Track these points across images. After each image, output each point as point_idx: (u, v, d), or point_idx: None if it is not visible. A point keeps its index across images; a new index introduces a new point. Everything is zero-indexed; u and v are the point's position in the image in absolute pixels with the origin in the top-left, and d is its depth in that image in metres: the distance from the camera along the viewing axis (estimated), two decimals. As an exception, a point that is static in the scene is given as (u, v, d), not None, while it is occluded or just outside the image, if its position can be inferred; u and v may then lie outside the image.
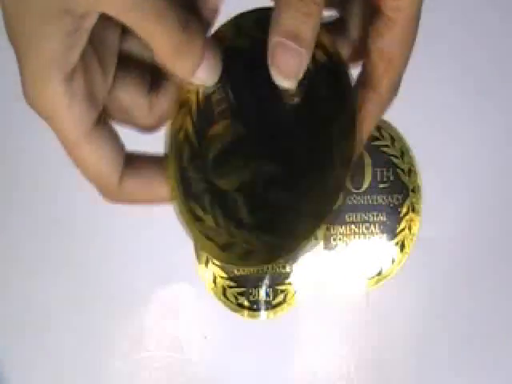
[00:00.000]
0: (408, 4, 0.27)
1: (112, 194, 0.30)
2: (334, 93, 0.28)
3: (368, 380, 0.54)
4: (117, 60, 0.29)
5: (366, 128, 0.30)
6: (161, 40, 0.26)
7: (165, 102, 0.30)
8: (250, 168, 0.29)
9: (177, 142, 0.30)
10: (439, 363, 0.53)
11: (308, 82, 0.27)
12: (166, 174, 0.30)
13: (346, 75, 0.27)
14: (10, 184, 0.55)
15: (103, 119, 0.29)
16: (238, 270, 0.53)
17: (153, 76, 0.30)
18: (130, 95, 0.29)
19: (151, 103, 0.30)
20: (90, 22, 0.26)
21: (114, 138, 0.29)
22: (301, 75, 0.27)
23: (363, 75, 0.30)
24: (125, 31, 0.29)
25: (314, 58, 0.27)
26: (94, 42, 0.28)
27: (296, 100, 0.28)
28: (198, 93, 0.30)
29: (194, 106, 0.30)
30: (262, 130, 0.29)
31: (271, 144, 0.29)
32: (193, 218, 0.29)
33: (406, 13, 0.27)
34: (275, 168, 0.28)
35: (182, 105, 0.30)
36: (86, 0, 0.25)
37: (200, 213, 0.29)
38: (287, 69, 0.26)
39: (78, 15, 0.25)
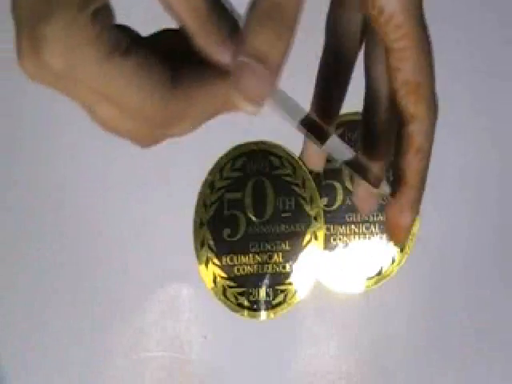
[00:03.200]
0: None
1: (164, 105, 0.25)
2: None
3: (368, 380, 0.54)
4: None
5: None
6: None
7: None
8: None
9: None
10: (439, 363, 0.53)
11: None
12: None
13: None
14: (10, 184, 0.54)
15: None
16: (238, 270, 0.53)
17: None
18: None
19: None
20: None
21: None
22: (263, 102, 0.25)
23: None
24: None
25: None
26: None
27: None
28: None
29: None
30: None
31: None
32: None
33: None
34: None
35: None
36: None
37: None
38: (252, 92, 0.24)
39: None
